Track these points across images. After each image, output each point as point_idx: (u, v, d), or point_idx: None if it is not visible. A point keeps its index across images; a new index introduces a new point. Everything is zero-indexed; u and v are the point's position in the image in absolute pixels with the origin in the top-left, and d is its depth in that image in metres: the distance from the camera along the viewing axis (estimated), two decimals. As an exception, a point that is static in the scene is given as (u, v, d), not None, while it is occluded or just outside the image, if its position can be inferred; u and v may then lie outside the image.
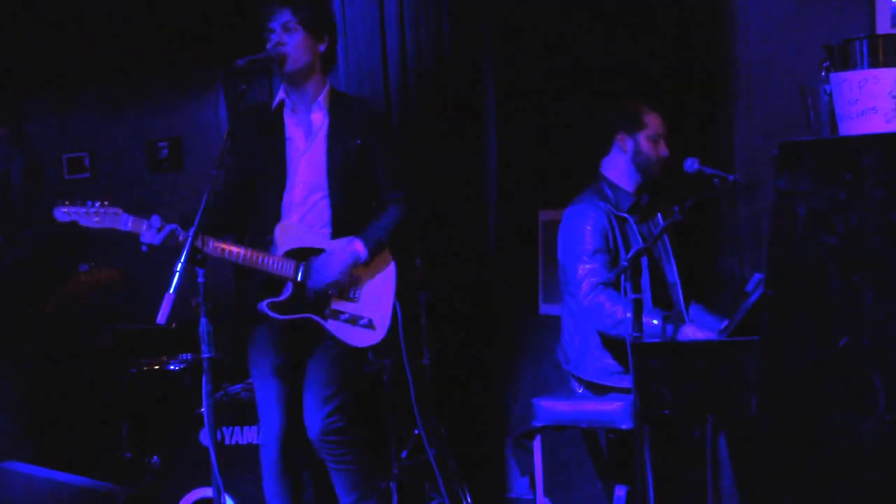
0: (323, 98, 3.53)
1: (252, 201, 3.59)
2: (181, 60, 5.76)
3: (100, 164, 6.23)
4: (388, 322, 3.53)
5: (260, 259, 3.42)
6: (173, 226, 3.31)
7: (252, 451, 3.93)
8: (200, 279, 3.08)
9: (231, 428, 4.00)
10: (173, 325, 4.94)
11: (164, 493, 4.00)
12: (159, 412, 4.62)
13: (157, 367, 4.70)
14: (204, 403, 3.09)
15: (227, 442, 4.00)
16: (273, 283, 3.47)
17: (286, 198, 3.52)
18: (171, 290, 2.94)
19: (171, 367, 4.67)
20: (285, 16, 3.44)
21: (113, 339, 5.43)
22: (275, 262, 3.44)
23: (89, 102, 6.22)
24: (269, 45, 3.43)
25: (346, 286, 3.48)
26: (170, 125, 6.06)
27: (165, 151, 6.06)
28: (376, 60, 4.92)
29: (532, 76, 4.62)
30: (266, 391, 3.54)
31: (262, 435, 3.56)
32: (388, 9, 4.88)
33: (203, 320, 3.07)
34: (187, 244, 3.04)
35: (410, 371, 3.79)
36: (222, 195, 3.61)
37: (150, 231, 3.34)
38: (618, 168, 3.78)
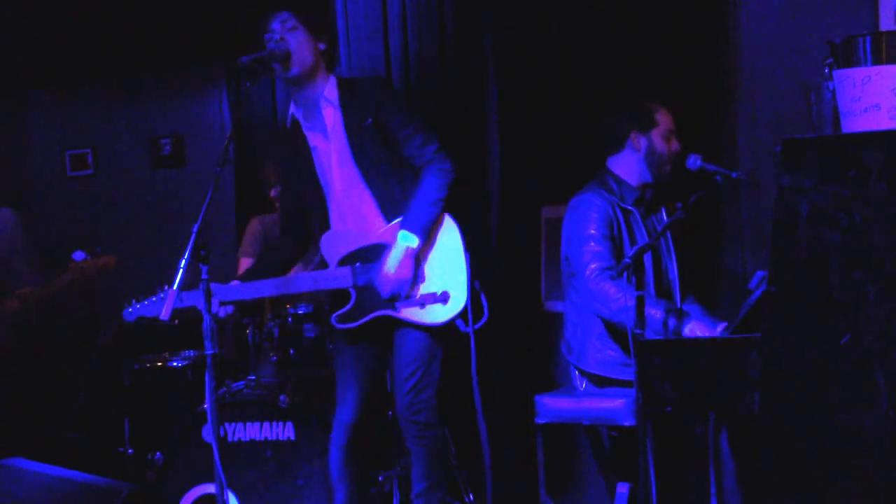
0: (330, 91, 3.52)
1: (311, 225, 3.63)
2: (184, 58, 5.77)
3: (103, 160, 6.24)
4: (465, 285, 3.42)
5: (313, 279, 3.45)
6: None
7: (255, 447, 3.94)
8: (204, 276, 3.09)
9: (234, 424, 4.00)
10: (176, 322, 4.95)
11: (166, 489, 4.00)
12: (162, 409, 4.63)
13: (159, 364, 4.70)
14: (207, 400, 3.10)
15: (229, 439, 4.00)
16: (339, 294, 3.48)
17: (331, 204, 3.55)
18: (175, 287, 2.95)
19: (174, 364, 4.67)
20: (285, 15, 3.46)
21: (116, 335, 5.44)
22: (329, 278, 3.45)
23: (92, 99, 6.23)
24: (271, 44, 3.44)
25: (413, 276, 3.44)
26: (173, 122, 6.07)
27: (168, 148, 6.07)
28: (378, 58, 4.92)
29: (535, 73, 4.62)
30: (344, 381, 3.59)
31: (334, 420, 3.59)
32: (391, 6, 4.88)
33: (206, 317, 3.08)
34: (191, 241, 3.05)
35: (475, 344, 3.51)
36: (283, 230, 3.69)
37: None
38: (627, 165, 3.79)
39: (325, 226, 3.57)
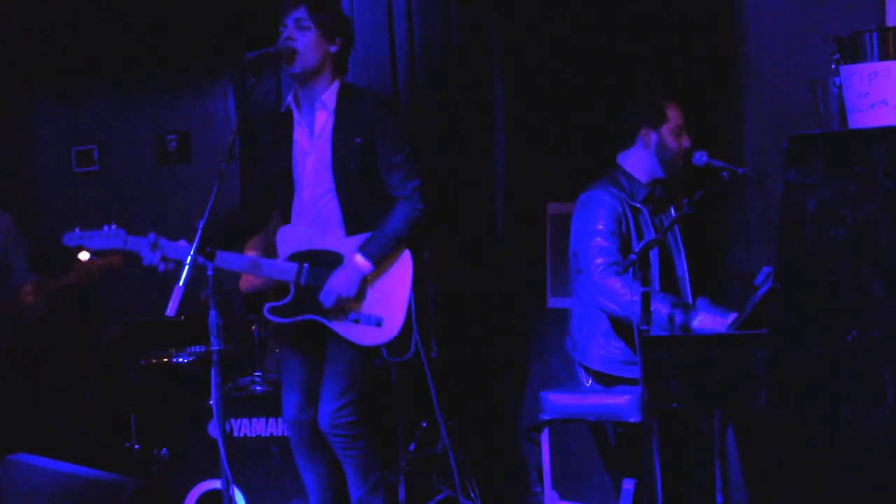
0: (329, 97, 3.52)
1: (270, 208, 3.66)
2: (190, 54, 5.77)
3: (109, 156, 6.24)
4: (401, 318, 3.50)
5: (258, 264, 3.45)
6: (167, 243, 3.35)
7: (261, 443, 3.94)
8: (209, 272, 3.09)
9: (239, 420, 4.01)
10: (182, 318, 4.95)
11: (172, 485, 4.01)
12: (168, 404, 4.64)
13: (165, 360, 4.71)
14: (213, 396, 3.10)
15: (235, 434, 4.01)
16: (280, 287, 3.50)
17: (296, 201, 3.55)
18: (181, 283, 2.95)
19: (180, 360, 4.68)
20: (300, 13, 3.44)
21: (122, 331, 5.44)
22: (274, 267, 3.47)
23: (98, 95, 6.23)
24: (279, 41, 3.43)
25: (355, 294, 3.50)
26: (178, 118, 6.07)
27: (174, 144, 6.07)
28: (384, 52, 4.92)
29: (541, 68, 4.61)
30: (286, 383, 3.63)
31: (283, 418, 3.63)
32: (397, 0, 4.88)
33: (212, 313, 3.08)
34: (197, 237, 3.05)
35: (427, 363, 3.77)
36: (242, 203, 3.69)
37: (146, 250, 3.37)
38: (637, 161, 3.79)
39: (285, 217, 3.59)
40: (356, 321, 3.49)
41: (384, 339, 3.51)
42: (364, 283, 3.49)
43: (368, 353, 3.55)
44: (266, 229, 3.95)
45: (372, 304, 3.51)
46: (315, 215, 3.53)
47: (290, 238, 3.53)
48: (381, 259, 3.47)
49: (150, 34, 5.62)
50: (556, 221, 4.51)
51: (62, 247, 3.52)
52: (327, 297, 3.45)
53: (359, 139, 3.47)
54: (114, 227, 3.45)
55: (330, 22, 3.49)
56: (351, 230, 3.51)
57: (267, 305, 3.50)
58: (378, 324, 3.49)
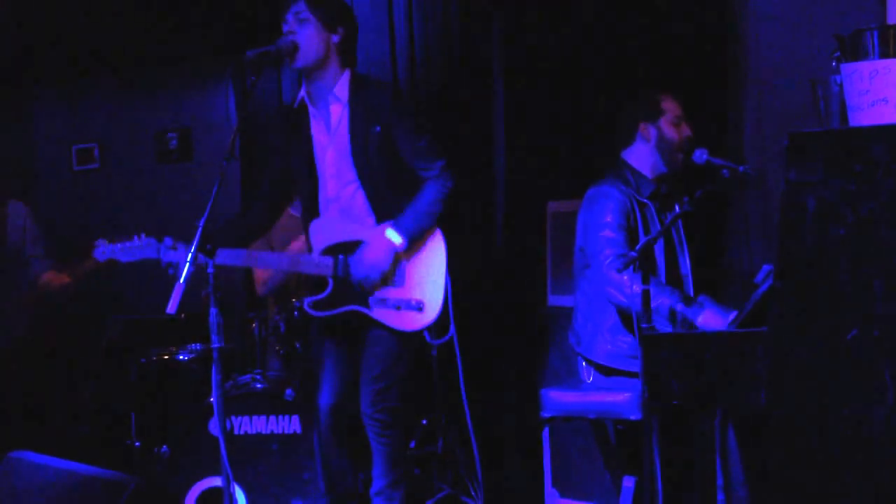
0: (340, 88, 3.52)
1: (287, 203, 3.67)
2: (190, 52, 5.77)
3: (109, 155, 6.24)
4: (440, 300, 3.49)
5: (294, 260, 3.45)
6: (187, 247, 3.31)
7: (261, 440, 3.94)
8: (210, 270, 3.09)
9: (240, 418, 4.01)
10: (182, 316, 4.96)
11: (173, 482, 4.01)
12: (168, 402, 4.64)
13: (166, 358, 4.71)
14: (213, 393, 3.11)
15: (236, 432, 4.01)
16: (316, 281, 3.49)
17: (321, 195, 3.56)
18: (182, 280, 2.95)
19: (181, 357, 4.68)
20: (299, 6, 3.45)
21: (122, 329, 5.45)
22: (311, 263, 3.47)
23: (98, 93, 6.23)
24: (280, 38, 3.43)
25: (389, 273, 3.47)
26: (179, 116, 6.07)
27: (175, 142, 6.07)
28: (384, 52, 4.92)
29: (541, 67, 4.61)
30: (322, 369, 3.62)
31: (320, 404, 3.60)
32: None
33: (213, 310, 3.09)
34: (197, 235, 3.05)
35: (459, 350, 3.65)
36: (257, 199, 3.68)
37: (167, 252, 3.38)
38: (641, 156, 3.80)
39: (311, 210, 3.57)
40: (398, 308, 3.47)
41: (426, 322, 3.50)
42: (400, 264, 3.48)
43: (411, 340, 3.53)
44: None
45: (411, 287, 3.50)
46: (342, 207, 3.53)
47: (322, 232, 3.52)
48: (413, 234, 3.46)
49: (151, 32, 5.63)
50: (557, 219, 4.51)
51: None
52: (357, 267, 3.43)
53: (378, 128, 3.47)
54: (143, 236, 3.44)
55: (330, 12, 3.49)
56: (381, 218, 3.50)
57: (307, 300, 3.49)
58: (419, 308, 3.48)
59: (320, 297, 3.50)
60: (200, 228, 3.07)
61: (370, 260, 3.43)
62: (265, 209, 3.71)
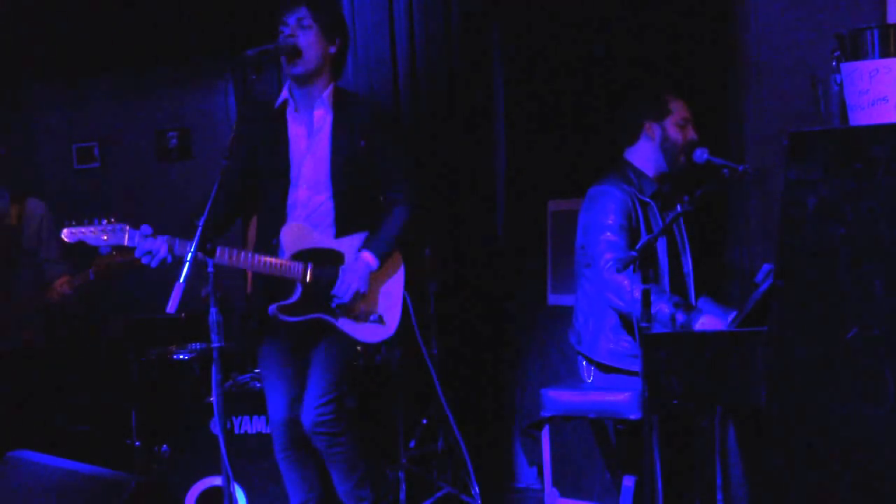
0: (327, 96, 3.54)
1: (255, 201, 3.63)
2: (191, 51, 5.77)
3: (109, 153, 6.24)
4: (398, 316, 3.61)
5: (267, 263, 3.44)
6: (164, 238, 3.31)
7: (261, 440, 3.94)
8: (210, 269, 3.09)
9: (240, 417, 4.01)
10: (182, 315, 4.95)
11: (173, 481, 4.01)
12: (169, 401, 4.64)
13: (166, 357, 4.71)
14: (213, 393, 3.10)
15: (236, 431, 4.01)
16: (282, 286, 3.49)
17: (291, 198, 3.55)
18: (181, 280, 2.95)
19: (181, 357, 4.68)
20: (301, 12, 3.45)
21: (123, 328, 5.44)
22: (282, 266, 3.47)
23: (99, 92, 6.23)
24: (280, 38, 3.43)
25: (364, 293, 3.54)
26: (179, 115, 6.07)
27: (174, 141, 6.07)
28: (384, 49, 4.92)
29: (541, 65, 4.61)
30: (273, 382, 3.60)
31: (271, 420, 3.61)
32: (397, -2, 4.89)
33: (213, 310, 3.08)
34: (197, 234, 3.05)
35: (429, 357, 3.86)
36: (223, 192, 3.62)
37: (142, 242, 3.33)
38: (644, 155, 3.79)
39: (276, 211, 3.54)
40: (362, 318, 3.55)
41: (386, 335, 3.60)
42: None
43: (361, 353, 3.65)
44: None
45: (373, 302, 3.57)
46: (309, 214, 3.53)
47: (292, 237, 3.52)
48: (385, 258, 3.56)
49: (151, 31, 5.62)
50: (557, 218, 4.51)
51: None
52: (344, 291, 3.48)
53: (363, 142, 3.52)
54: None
55: (330, 22, 3.51)
56: (341, 231, 3.54)
57: (275, 305, 3.48)
58: (382, 320, 3.57)
59: (288, 302, 3.50)
60: (200, 227, 3.06)
61: (353, 284, 3.49)
62: (233, 207, 3.63)
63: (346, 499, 3.59)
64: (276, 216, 3.55)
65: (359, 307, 3.54)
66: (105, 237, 3.36)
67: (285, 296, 3.50)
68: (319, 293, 3.49)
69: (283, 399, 3.57)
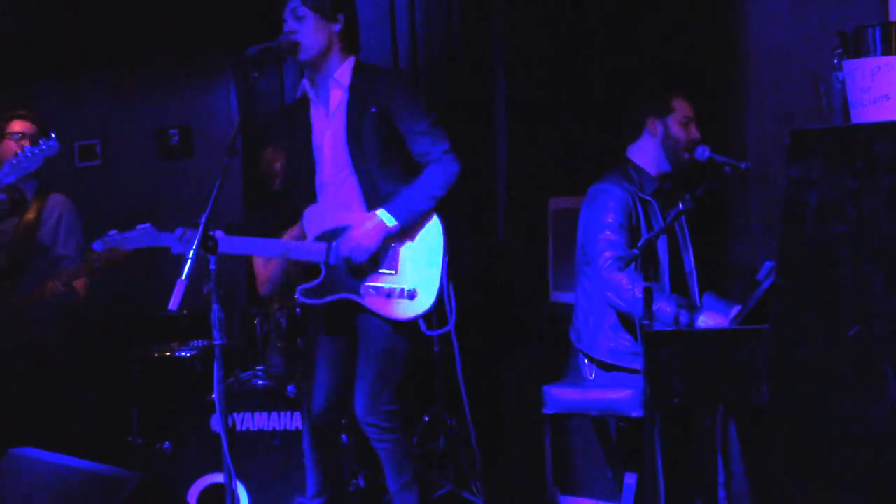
0: (342, 74, 3.50)
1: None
2: (192, 48, 5.77)
3: (111, 151, 6.25)
4: (435, 290, 3.38)
5: (287, 249, 3.42)
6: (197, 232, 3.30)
7: (263, 437, 3.95)
8: (212, 266, 3.09)
9: (242, 414, 4.02)
10: (184, 312, 4.96)
11: (175, 478, 4.02)
12: (170, 398, 4.64)
13: (168, 354, 4.72)
14: (215, 390, 3.10)
15: (238, 428, 4.02)
16: (309, 269, 3.47)
17: (318, 180, 3.53)
18: (183, 277, 2.95)
19: (183, 354, 4.69)
20: (294, 3, 3.45)
21: (124, 325, 5.45)
22: (302, 249, 3.45)
23: (100, 90, 6.24)
24: (281, 36, 3.44)
25: (379, 258, 3.41)
26: (180, 113, 6.07)
27: (176, 139, 6.08)
28: (386, 47, 4.92)
29: (543, 62, 4.61)
30: (313, 372, 3.56)
31: (313, 403, 3.55)
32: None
33: (215, 307, 3.08)
34: (199, 231, 3.05)
35: (459, 346, 3.53)
36: (283, 194, 3.66)
37: (179, 242, 3.37)
38: (646, 153, 3.79)
39: (307, 195, 3.54)
40: (389, 295, 3.38)
41: (419, 312, 3.39)
42: (394, 252, 3.42)
43: (404, 330, 3.42)
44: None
45: (404, 275, 3.42)
46: (336, 193, 3.49)
47: (316, 218, 3.49)
48: (408, 218, 3.37)
49: (153, 29, 5.62)
50: (558, 216, 4.51)
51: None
52: (350, 249, 3.36)
53: (374, 108, 3.42)
54: (148, 225, 3.44)
55: (326, 2, 3.46)
56: (371, 206, 3.42)
57: (299, 287, 3.44)
58: (412, 296, 3.37)
59: (312, 284, 3.45)
60: (202, 225, 3.07)
61: (357, 238, 3.35)
62: (288, 206, 3.67)
63: (395, 500, 3.51)
64: (306, 201, 3.54)
65: (384, 281, 3.40)
66: (133, 242, 3.40)
67: (311, 278, 3.47)
68: (343, 273, 3.43)
69: (323, 386, 3.53)
